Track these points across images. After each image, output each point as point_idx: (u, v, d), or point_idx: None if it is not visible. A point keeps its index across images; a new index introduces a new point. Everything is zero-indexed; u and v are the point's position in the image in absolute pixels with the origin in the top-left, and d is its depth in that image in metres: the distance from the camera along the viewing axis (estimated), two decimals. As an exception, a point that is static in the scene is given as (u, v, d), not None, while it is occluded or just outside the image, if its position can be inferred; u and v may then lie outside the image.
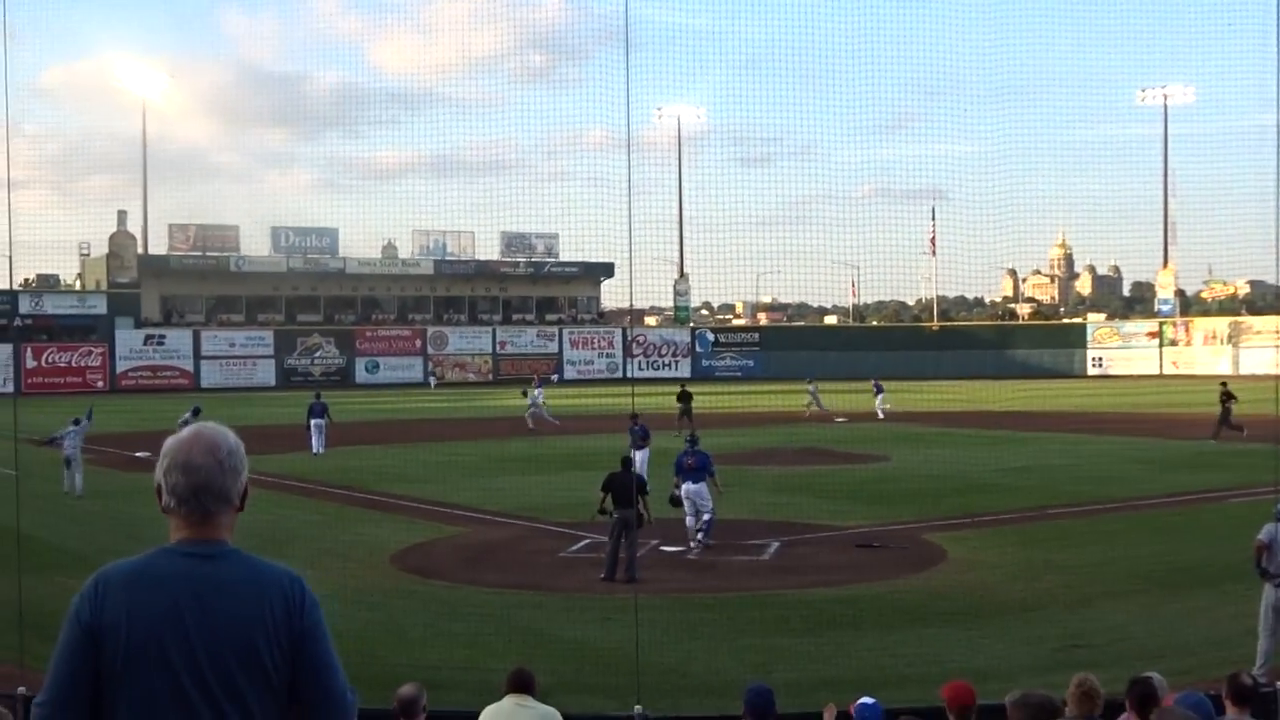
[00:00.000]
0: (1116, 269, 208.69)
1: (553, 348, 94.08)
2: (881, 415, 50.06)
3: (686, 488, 21.23)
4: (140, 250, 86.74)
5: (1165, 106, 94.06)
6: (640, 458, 26.90)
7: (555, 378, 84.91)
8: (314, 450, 36.58)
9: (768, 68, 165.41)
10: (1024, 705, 7.00)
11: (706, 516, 21.12)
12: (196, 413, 33.65)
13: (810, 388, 52.96)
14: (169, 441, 3.45)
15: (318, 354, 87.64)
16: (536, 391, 60.68)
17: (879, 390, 52.17)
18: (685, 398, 41.95)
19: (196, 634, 3.23)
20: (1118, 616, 16.07)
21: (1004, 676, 12.17)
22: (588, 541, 21.47)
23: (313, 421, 37.40)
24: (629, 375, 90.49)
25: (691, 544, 21.09)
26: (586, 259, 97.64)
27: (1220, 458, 33.17)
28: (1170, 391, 65.42)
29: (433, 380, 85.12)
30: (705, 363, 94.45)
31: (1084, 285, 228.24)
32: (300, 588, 3.45)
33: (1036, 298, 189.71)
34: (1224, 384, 40.37)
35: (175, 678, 3.21)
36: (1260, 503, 17.00)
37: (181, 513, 3.38)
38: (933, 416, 47.09)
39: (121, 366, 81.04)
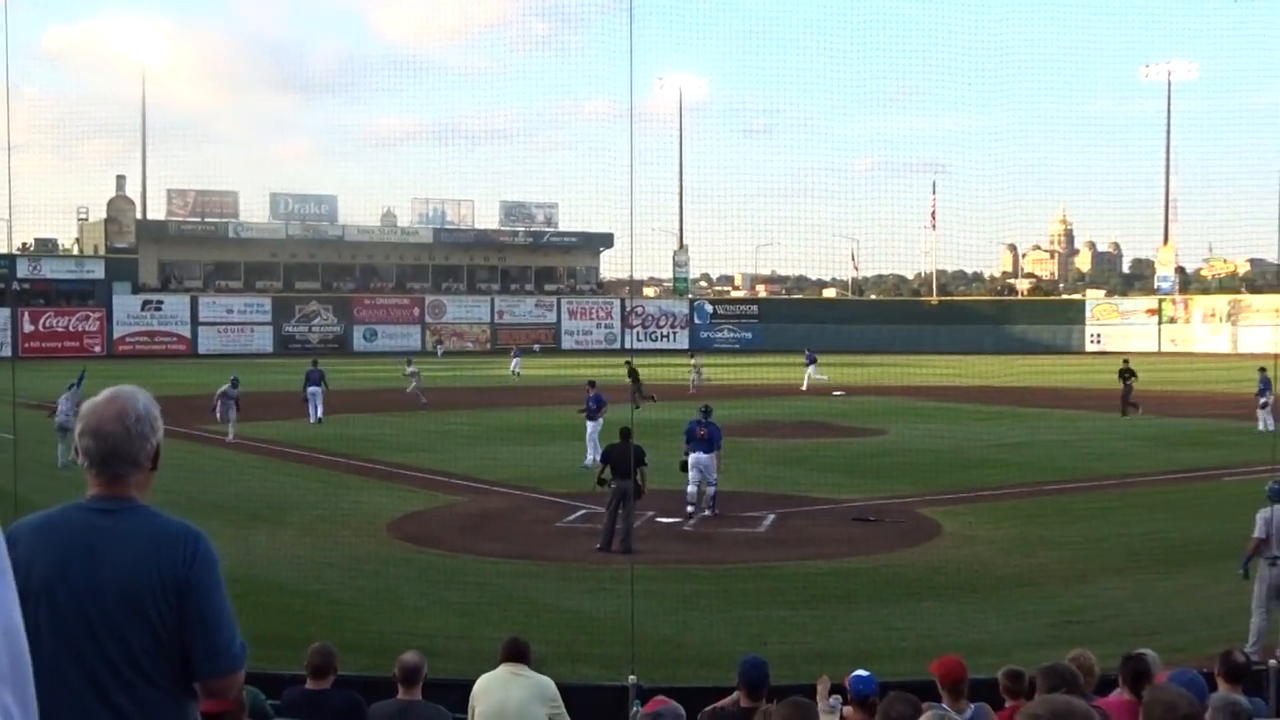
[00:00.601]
0: (1117, 245, 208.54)
1: (551, 318, 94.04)
2: (805, 388, 49.94)
3: (696, 457, 21.35)
4: (139, 215, 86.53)
5: (1169, 83, 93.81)
6: (591, 428, 27.08)
7: (537, 347, 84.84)
8: (311, 419, 36.52)
9: (770, 38, 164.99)
10: (1051, 673, 7.03)
11: (712, 489, 21.36)
12: (235, 383, 33.86)
13: (693, 362, 53.08)
14: (85, 405, 3.70)
15: (315, 321, 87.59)
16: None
17: (811, 360, 52.23)
18: (634, 374, 41.25)
19: (83, 579, 3.51)
20: (1112, 593, 16.11)
21: (998, 651, 12.20)
22: (584, 511, 21.51)
23: (310, 389, 37.22)
24: (627, 346, 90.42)
25: (690, 510, 21.33)
26: (586, 229, 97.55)
27: (1217, 435, 33.21)
28: (1168, 369, 65.41)
29: (440, 349, 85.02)
30: (703, 334, 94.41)
31: (1084, 261, 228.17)
32: (194, 544, 3.61)
33: (1036, 273, 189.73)
34: (1125, 361, 41.76)
35: (57, 612, 3.47)
36: (1256, 480, 17.02)
37: (92, 473, 3.64)
38: (930, 391, 47.10)
39: (119, 332, 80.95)
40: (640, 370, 41.27)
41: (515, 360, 61.35)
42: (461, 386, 46.37)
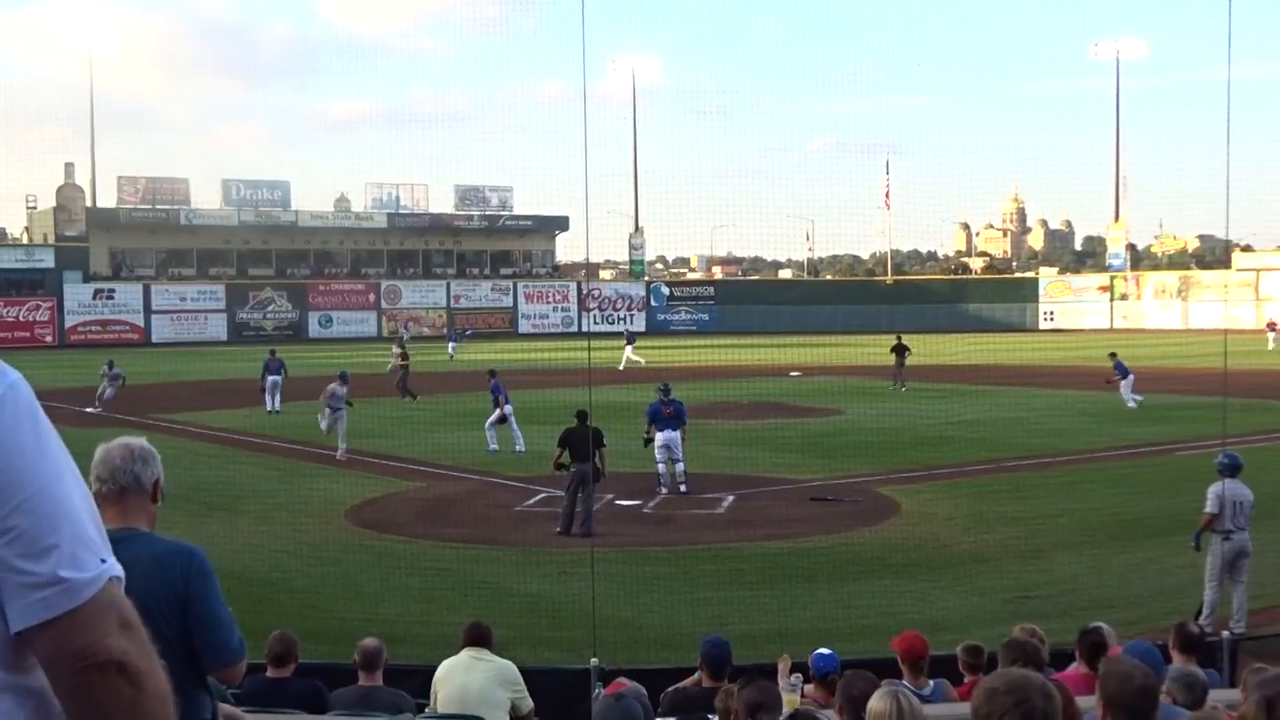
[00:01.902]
0: (1068, 223, 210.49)
1: (507, 302, 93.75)
2: (622, 368, 50.21)
3: (666, 435, 21.55)
4: (88, 203, 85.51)
5: (1118, 61, 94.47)
6: (493, 417, 27.14)
7: (469, 331, 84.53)
8: (268, 408, 36.05)
9: (722, 20, 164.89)
10: (1012, 646, 7.10)
11: (680, 465, 21.60)
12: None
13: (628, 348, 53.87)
14: (98, 449, 4.30)
15: (270, 308, 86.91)
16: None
17: (630, 340, 53.66)
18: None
19: None
20: (1068, 568, 16.29)
21: (956, 627, 12.32)
22: (543, 495, 21.50)
23: (269, 379, 36.52)
24: (584, 329, 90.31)
25: (664, 491, 21.66)
26: (541, 213, 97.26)
27: (1168, 411, 33.58)
28: (1120, 345, 65.98)
29: (405, 333, 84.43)
30: (660, 317, 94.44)
31: (1036, 240, 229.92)
32: (189, 562, 4.31)
33: (989, 252, 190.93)
34: (899, 337, 44.24)
35: None
36: (1207, 454, 17.24)
37: (107, 506, 4.15)
38: (886, 370, 47.28)
39: (70, 321, 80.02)
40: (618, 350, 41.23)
41: (451, 344, 62.45)
42: (425, 372, 46.06)
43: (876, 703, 4.74)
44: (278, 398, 36.40)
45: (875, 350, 50.48)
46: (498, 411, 27.27)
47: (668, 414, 21.91)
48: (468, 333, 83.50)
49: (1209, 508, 13.47)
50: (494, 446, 26.97)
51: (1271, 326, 61.91)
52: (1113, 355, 36.30)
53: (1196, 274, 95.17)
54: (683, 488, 21.73)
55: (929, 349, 54.10)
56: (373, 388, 37.31)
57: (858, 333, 72.26)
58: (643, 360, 52.36)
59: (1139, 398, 34.74)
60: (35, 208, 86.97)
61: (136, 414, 33.97)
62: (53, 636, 1.85)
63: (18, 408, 1.88)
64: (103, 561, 1.92)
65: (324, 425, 28.04)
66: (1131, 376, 35.21)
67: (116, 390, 36.42)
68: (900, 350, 43.21)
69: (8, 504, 1.84)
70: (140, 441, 4.45)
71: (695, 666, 8.52)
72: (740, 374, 45.75)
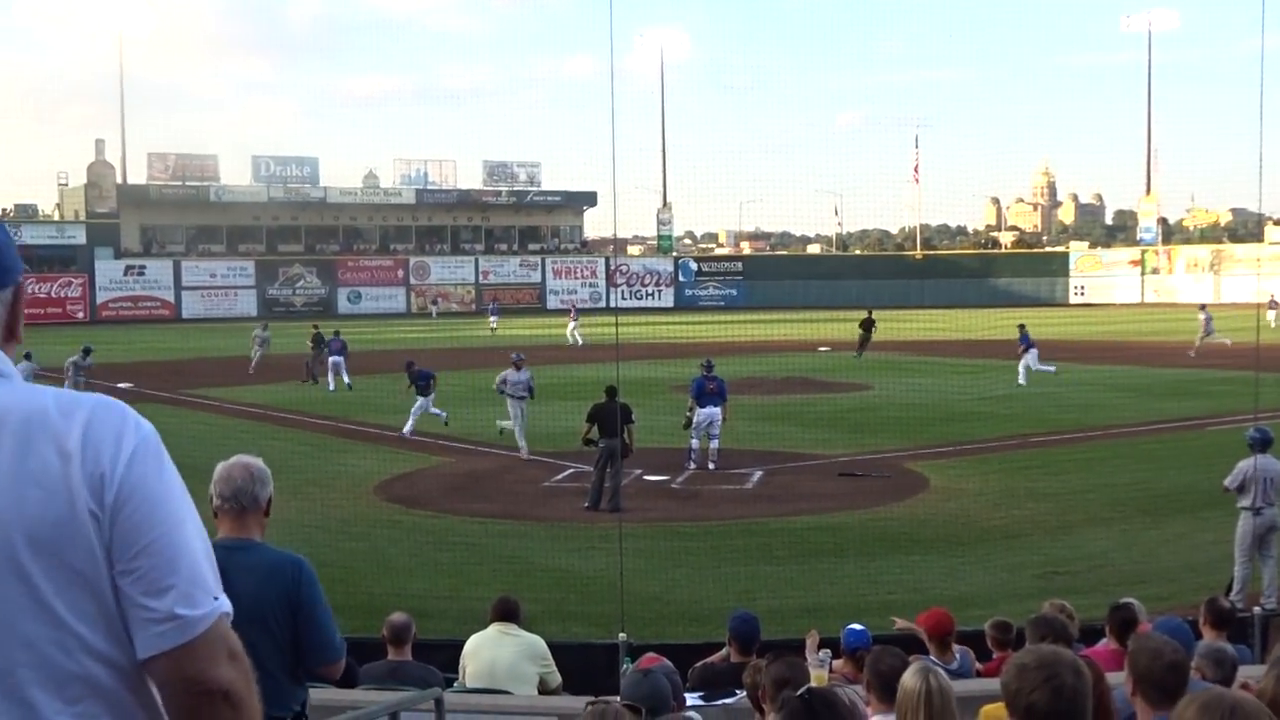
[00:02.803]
0: (1099, 197, 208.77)
1: (536, 277, 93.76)
2: (579, 341, 50.58)
3: (708, 411, 21.65)
4: (119, 180, 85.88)
5: (1149, 33, 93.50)
6: (421, 403, 27.01)
7: (494, 305, 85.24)
8: (331, 388, 35.33)
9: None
10: (1040, 623, 7.08)
11: (715, 443, 21.74)
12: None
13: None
14: (219, 467, 5.11)
15: (299, 284, 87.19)
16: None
17: (575, 315, 54.37)
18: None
19: None
20: (1098, 543, 16.23)
21: (985, 603, 12.29)
22: (571, 471, 21.55)
23: (332, 359, 35.86)
24: (612, 305, 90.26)
25: (692, 465, 21.83)
26: (569, 188, 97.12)
27: (1200, 385, 33.35)
28: (1152, 320, 65.59)
29: (434, 310, 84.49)
30: (688, 292, 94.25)
31: (1067, 214, 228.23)
32: (298, 570, 5.00)
33: (1019, 226, 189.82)
34: (869, 311, 46.10)
35: None
36: (1239, 429, 17.11)
37: (225, 517, 4.99)
38: (915, 345, 47.13)
39: (102, 297, 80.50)
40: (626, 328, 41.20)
41: (494, 319, 62.61)
42: (455, 348, 46.22)
43: (909, 680, 4.74)
44: (345, 375, 35.70)
45: (908, 324, 50.27)
46: (426, 400, 27.15)
47: (711, 390, 21.99)
48: (493, 319, 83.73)
49: (1228, 481, 13.43)
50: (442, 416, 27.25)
51: (1273, 304, 60.86)
52: (1021, 326, 36.89)
53: (1229, 248, 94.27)
54: (712, 465, 21.78)
55: (959, 323, 53.89)
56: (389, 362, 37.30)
57: (887, 307, 71.99)
58: (580, 340, 51.50)
59: (1049, 368, 35.34)
60: (66, 184, 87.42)
61: (168, 389, 34.18)
62: (169, 665, 2.08)
63: (147, 461, 2.11)
64: (215, 599, 2.13)
65: (512, 425, 24.30)
66: (1035, 350, 35.79)
67: (264, 353, 39.80)
68: (868, 325, 45.20)
69: (134, 547, 2.07)
70: (257, 463, 5.13)
71: (724, 642, 8.53)
72: (769, 349, 45.68)
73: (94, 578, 2.05)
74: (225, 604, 2.14)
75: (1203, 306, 49.12)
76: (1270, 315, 58.29)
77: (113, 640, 2.07)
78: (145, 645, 2.07)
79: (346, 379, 35.71)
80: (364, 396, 33.28)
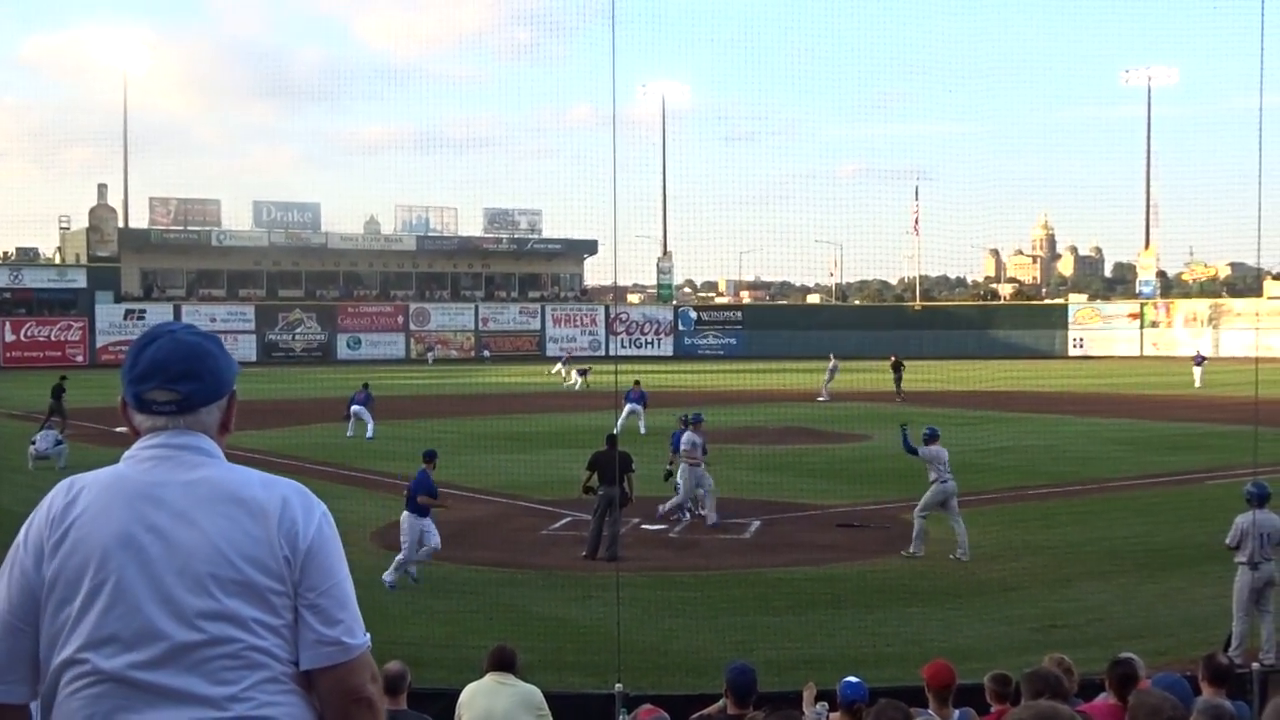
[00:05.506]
0: (1098, 250, 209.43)
1: (535, 325, 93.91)
2: (577, 384, 54.81)
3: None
4: (121, 224, 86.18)
5: (1149, 88, 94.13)
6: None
7: (487, 353, 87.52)
8: (351, 433, 35.19)
9: (753, 45, 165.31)
10: (1035, 678, 7.05)
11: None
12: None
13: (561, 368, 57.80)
14: None
15: (299, 329, 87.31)
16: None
17: (565, 361, 60.07)
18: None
19: None
20: (1096, 597, 16.17)
21: (983, 656, 12.24)
22: (569, 519, 21.49)
23: (354, 408, 35.56)
24: (611, 353, 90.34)
25: (687, 516, 21.67)
26: (570, 236, 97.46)
27: (1199, 439, 33.33)
28: (1150, 373, 65.66)
29: (431, 356, 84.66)
30: (688, 341, 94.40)
31: (1066, 266, 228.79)
32: None
33: (1018, 278, 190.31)
34: (895, 356, 51.00)
35: None
36: (1238, 483, 17.09)
37: None
38: (914, 396, 47.13)
39: (101, 341, 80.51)
40: (637, 376, 41.30)
41: (566, 369, 61.12)
42: (451, 395, 46.24)
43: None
44: (369, 425, 35.15)
45: (907, 375, 50.28)
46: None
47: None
48: (485, 354, 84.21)
49: (1229, 539, 13.42)
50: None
51: (1199, 359, 58.65)
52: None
53: (1228, 301, 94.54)
54: (714, 518, 21.50)
55: (957, 376, 53.96)
56: (397, 410, 37.28)
57: (886, 358, 72.09)
58: (578, 383, 55.77)
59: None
60: (68, 228, 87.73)
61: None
62: (332, 678, 2.82)
63: (326, 526, 2.97)
64: (365, 634, 2.91)
65: (702, 487, 21.75)
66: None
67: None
68: (897, 366, 49.66)
69: (318, 589, 2.84)
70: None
71: (720, 693, 8.49)
72: (767, 399, 45.67)
73: (275, 602, 2.78)
74: (368, 639, 2.89)
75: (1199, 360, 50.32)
76: (1196, 372, 56.58)
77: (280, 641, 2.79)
78: (311, 659, 2.79)
79: (369, 431, 35.09)
80: (360, 443, 33.29)
